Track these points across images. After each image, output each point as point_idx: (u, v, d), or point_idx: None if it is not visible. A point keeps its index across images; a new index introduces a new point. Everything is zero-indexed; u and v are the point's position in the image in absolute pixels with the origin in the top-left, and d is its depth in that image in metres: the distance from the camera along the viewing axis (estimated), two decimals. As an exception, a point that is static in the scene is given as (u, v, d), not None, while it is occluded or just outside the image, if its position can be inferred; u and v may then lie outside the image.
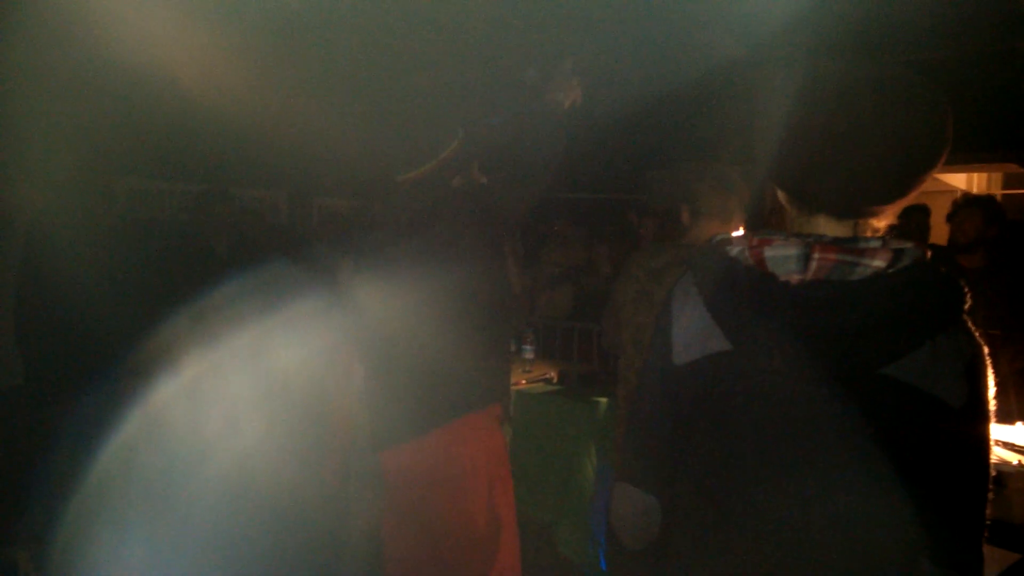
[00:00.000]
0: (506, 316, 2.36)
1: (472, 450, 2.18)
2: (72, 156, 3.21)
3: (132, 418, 2.72)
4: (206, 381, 2.91)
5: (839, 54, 1.08)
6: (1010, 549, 1.75)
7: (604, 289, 3.76)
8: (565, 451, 3.43)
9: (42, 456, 2.76)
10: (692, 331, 1.15)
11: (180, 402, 2.87)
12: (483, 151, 2.36)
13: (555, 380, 3.97)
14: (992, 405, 1.01)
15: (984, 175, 7.14)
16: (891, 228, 1.12)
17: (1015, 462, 2.24)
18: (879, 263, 1.01)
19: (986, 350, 1.02)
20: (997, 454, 2.23)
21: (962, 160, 5.21)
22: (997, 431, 2.31)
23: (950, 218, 3.59)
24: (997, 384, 1.03)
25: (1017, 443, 2.38)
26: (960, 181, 6.77)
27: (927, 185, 1.08)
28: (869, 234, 1.09)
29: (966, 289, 1.02)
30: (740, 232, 1.52)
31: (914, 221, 4.31)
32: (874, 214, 1.08)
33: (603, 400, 3.40)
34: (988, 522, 1.01)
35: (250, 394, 2.96)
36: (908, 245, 1.03)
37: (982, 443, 1.01)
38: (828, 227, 1.09)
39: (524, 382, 3.85)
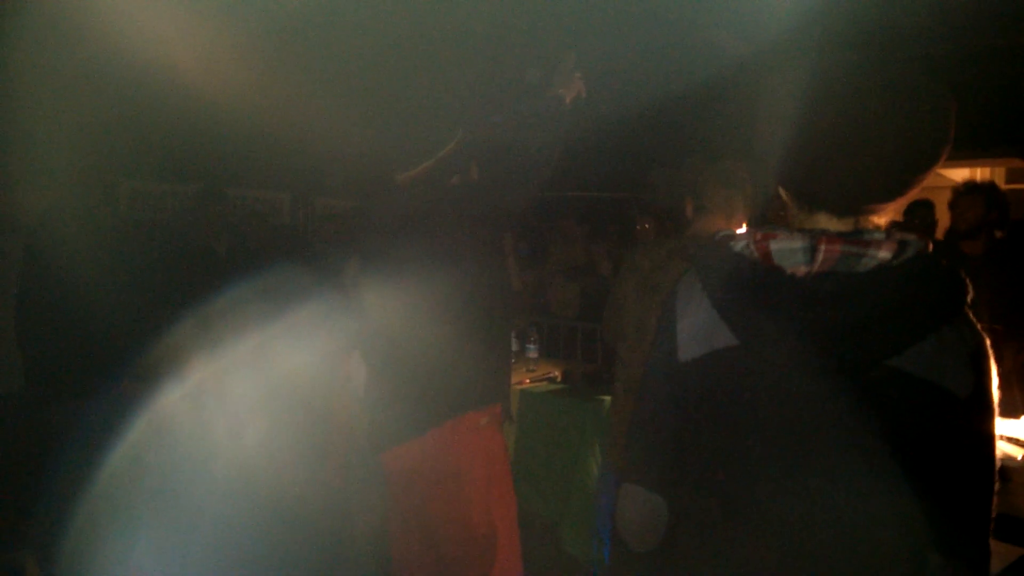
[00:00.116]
0: (506, 314, 2.35)
1: (470, 450, 2.17)
2: (75, 158, 3.21)
3: (137, 421, 2.72)
4: (210, 383, 2.92)
5: (843, 51, 1.07)
6: (1015, 543, 1.75)
7: (606, 288, 3.76)
8: (569, 450, 3.43)
9: (48, 460, 2.76)
10: (697, 327, 1.15)
11: (185, 404, 2.88)
12: (482, 149, 2.36)
13: (559, 379, 3.97)
14: (996, 396, 1.01)
15: (987, 170, 7.15)
16: (895, 223, 1.12)
17: (1019, 456, 2.24)
18: (885, 254, 1.01)
19: (989, 341, 1.02)
20: (1001, 448, 2.22)
21: (966, 156, 5.21)
22: (1002, 425, 2.31)
23: (952, 205, 3.60)
24: (1001, 377, 1.03)
25: (1022, 437, 2.38)
26: (964, 176, 6.77)
27: (932, 180, 1.08)
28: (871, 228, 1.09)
29: (968, 281, 1.02)
30: (743, 229, 1.52)
31: (919, 216, 4.30)
32: (874, 212, 1.08)
33: (607, 399, 3.40)
34: (994, 515, 1.01)
35: (254, 396, 2.97)
36: (911, 237, 1.03)
37: (988, 433, 1.01)
38: (829, 224, 1.09)
39: (528, 381, 3.85)
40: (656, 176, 6.06)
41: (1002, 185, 7.01)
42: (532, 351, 4.10)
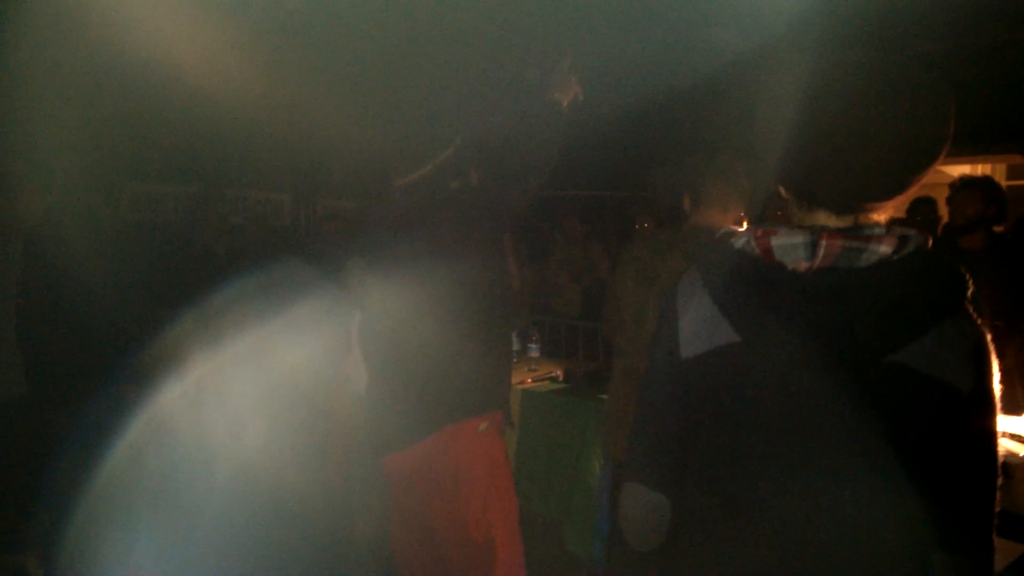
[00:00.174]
0: (506, 316, 2.35)
1: (470, 453, 2.16)
2: (76, 160, 3.21)
3: (137, 422, 2.72)
4: (211, 384, 2.92)
5: (842, 48, 1.07)
6: (1018, 540, 1.74)
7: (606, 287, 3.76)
8: (571, 449, 3.43)
9: (48, 462, 2.76)
10: (699, 324, 1.15)
11: (185, 405, 2.87)
12: (482, 151, 2.35)
13: (561, 378, 3.96)
14: (998, 391, 1.01)
15: (988, 166, 7.15)
16: (896, 220, 1.12)
17: (1022, 453, 2.23)
18: (885, 248, 1.01)
19: (989, 336, 1.02)
20: (1005, 445, 2.22)
21: (967, 152, 5.20)
22: (1004, 422, 2.30)
23: (949, 201, 3.59)
24: (1003, 374, 1.02)
25: (1024, 434, 2.38)
26: (965, 173, 6.76)
27: (934, 178, 1.08)
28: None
29: (968, 276, 1.02)
30: (743, 226, 1.52)
31: (921, 213, 4.30)
32: (874, 209, 1.08)
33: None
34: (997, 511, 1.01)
35: (255, 396, 2.96)
36: (912, 232, 1.03)
37: (990, 428, 1.00)
38: (829, 222, 1.09)
39: (530, 380, 3.85)
40: (656, 175, 6.06)
41: (1003, 182, 7.03)
42: (534, 350, 4.10)
